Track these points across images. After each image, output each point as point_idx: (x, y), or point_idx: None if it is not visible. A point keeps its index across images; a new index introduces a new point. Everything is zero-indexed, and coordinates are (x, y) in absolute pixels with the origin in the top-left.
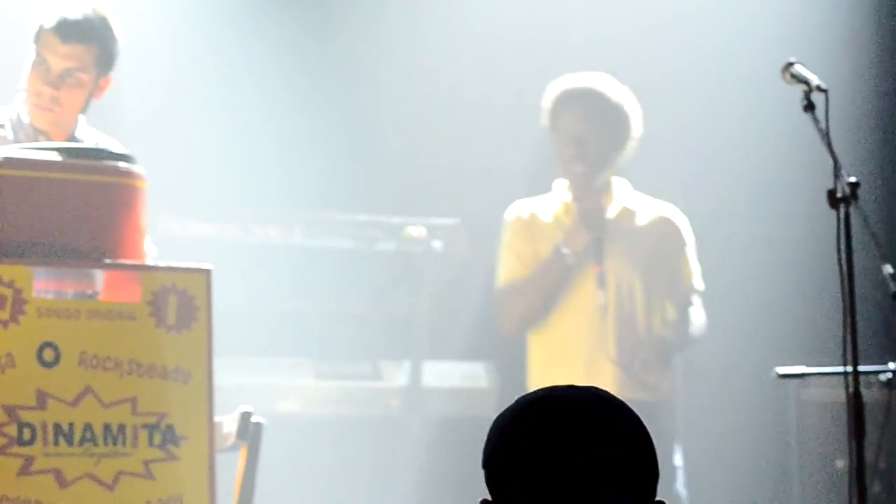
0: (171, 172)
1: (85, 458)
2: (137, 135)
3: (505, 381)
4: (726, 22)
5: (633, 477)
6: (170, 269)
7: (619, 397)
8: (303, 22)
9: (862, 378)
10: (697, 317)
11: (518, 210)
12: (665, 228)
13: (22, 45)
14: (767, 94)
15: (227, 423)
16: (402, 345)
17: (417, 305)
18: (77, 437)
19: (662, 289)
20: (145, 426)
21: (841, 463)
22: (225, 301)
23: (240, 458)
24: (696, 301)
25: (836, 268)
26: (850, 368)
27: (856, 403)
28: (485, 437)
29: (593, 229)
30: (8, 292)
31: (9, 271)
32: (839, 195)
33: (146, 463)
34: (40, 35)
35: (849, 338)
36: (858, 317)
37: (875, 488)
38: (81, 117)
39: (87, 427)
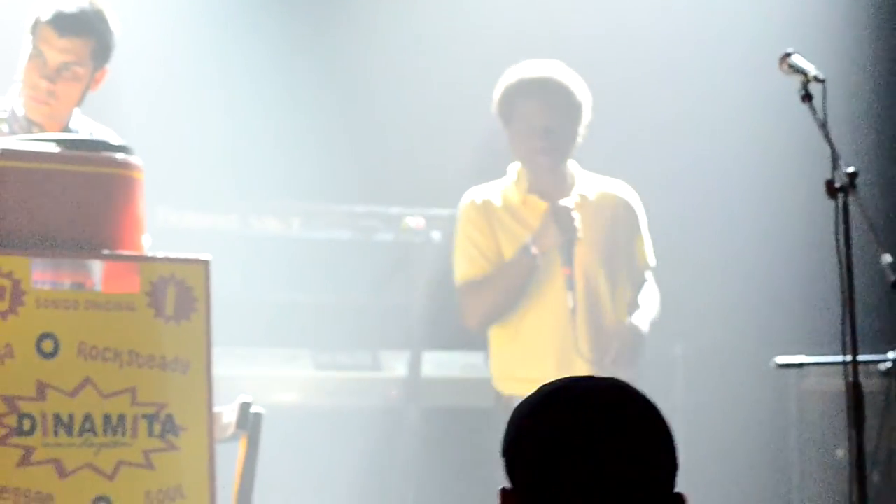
0: (169, 163)
1: (85, 448)
2: (135, 126)
3: None
4: (723, 12)
5: (653, 468)
6: (168, 259)
7: None
8: (301, 13)
9: (861, 367)
10: (654, 296)
11: (473, 198)
12: (619, 209)
13: (16, 37)
14: (765, 85)
15: (227, 413)
16: (401, 335)
17: (416, 296)
18: (77, 428)
19: (623, 273)
20: (145, 416)
21: (841, 452)
22: (223, 292)
23: (239, 448)
24: (650, 277)
25: (835, 257)
26: (849, 358)
27: (855, 393)
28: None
29: (565, 231)
30: (6, 283)
31: (7, 262)
32: (837, 185)
33: (146, 453)
34: (37, 27)
35: (848, 327)
36: (857, 306)
37: (874, 478)
38: (76, 108)
39: (87, 417)
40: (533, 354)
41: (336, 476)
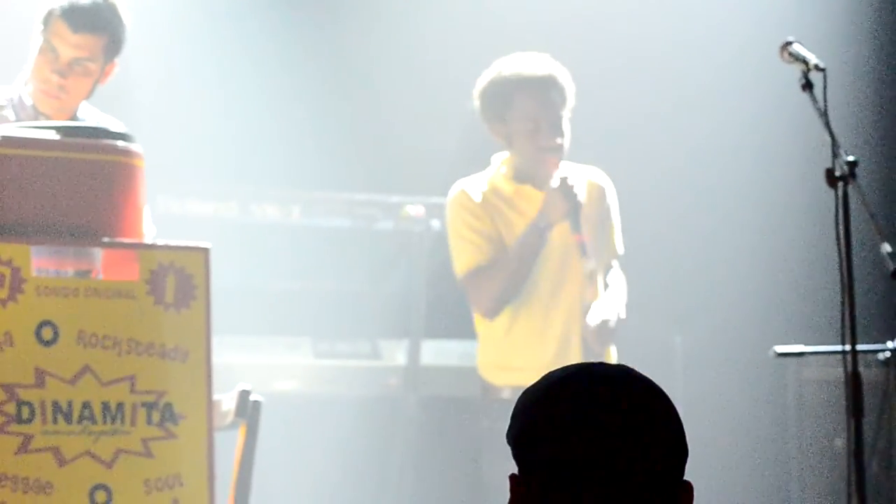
0: (170, 151)
1: (83, 436)
2: (136, 113)
3: None
4: (724, 1)
5: (663, 455)
6: (168, 247)
7: None
8: (300, 2)
9: (860, 357)
10: (623, 282)
11: (464, 189)
12: (598, 195)
13: (20, 25)
14: (766, 74)
15: (226, 401)
16: (400, 324)
17: (416, 284)
18: (76, 416)
19: (603, 259)
20: (144, 404)
21: (839, 441)
22: (223, 280)
23: (238, 436)
24: (616, 265)
25: (834, 247)
26: (848, 347)
27: (854, 382)
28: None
29: (570, 198)
30: (6, 271)
31: (7, 250)
32: (837, 174)
33: (145, 441)
34: (49, 20)
35: (847, 316)
36: (857, 295)
37: (873, 467)
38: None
39: (86, 405)
40: (541, 333)
41: (335, 464)
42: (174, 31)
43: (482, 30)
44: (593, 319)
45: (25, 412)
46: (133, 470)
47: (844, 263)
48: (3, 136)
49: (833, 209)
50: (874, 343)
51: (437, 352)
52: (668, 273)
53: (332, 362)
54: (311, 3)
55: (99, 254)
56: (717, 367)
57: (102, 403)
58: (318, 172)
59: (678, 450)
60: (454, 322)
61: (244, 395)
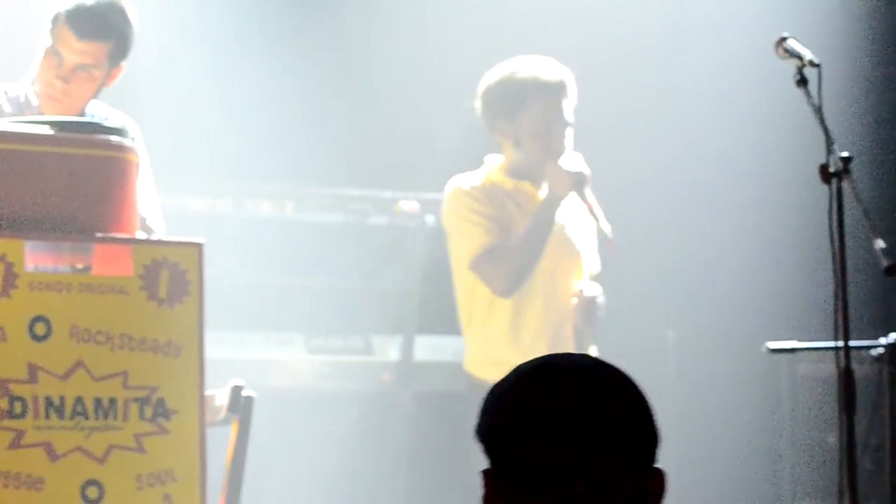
0: (163, 146)
1: (76, 431)
2: (130, 109)
3: None
4: None
5: (633, 444)
6: (161, 242)
7: None
8: None
9: (853, 353)
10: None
11: (466, 180)
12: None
13: (28, 23)
14: (760, 69)
15: (219, 396)
16: (393, 319)
17: (409, 280)
18: (68, 411)
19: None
20: (136, 400)
21: (832, 438)
22: (217, 275)
23: (231, 431)
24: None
25: (828, 242)
26: (841, 343)
27: (847, 379)
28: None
29: (574, 168)
30: None
31: (0, 245)
32: (831, 170)
33: (137, 436)
34: (56, 24)
35: (840, 312)
36: (850, 291)
37: (866, 464)
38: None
39: (78, 400)
40: (527, 336)
41: (328, 459)
42: (166, 27)
43: (479, 25)
44: (580, 295)
45: (18, 407)
46: (125, 465)
47: (838, 259)
48: None
49: (827, 205)
50: (867, 339)
51: (431, 347)
52: (661, 267)
53: (326, 358)
54: (305, 1)
55: (91, 249)
56: (710, 362)
57: (95, 399)
58: (311, 168)
59: (647, 436)
60: (448, 318)
61: (237, 390)
